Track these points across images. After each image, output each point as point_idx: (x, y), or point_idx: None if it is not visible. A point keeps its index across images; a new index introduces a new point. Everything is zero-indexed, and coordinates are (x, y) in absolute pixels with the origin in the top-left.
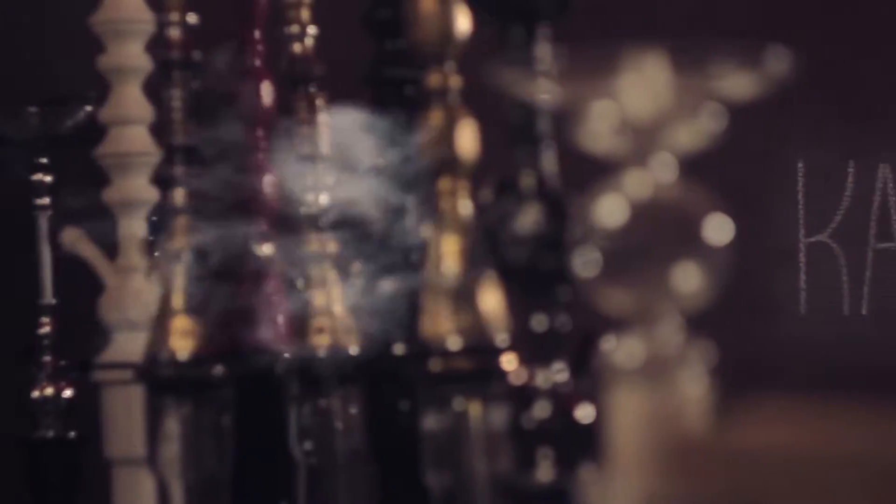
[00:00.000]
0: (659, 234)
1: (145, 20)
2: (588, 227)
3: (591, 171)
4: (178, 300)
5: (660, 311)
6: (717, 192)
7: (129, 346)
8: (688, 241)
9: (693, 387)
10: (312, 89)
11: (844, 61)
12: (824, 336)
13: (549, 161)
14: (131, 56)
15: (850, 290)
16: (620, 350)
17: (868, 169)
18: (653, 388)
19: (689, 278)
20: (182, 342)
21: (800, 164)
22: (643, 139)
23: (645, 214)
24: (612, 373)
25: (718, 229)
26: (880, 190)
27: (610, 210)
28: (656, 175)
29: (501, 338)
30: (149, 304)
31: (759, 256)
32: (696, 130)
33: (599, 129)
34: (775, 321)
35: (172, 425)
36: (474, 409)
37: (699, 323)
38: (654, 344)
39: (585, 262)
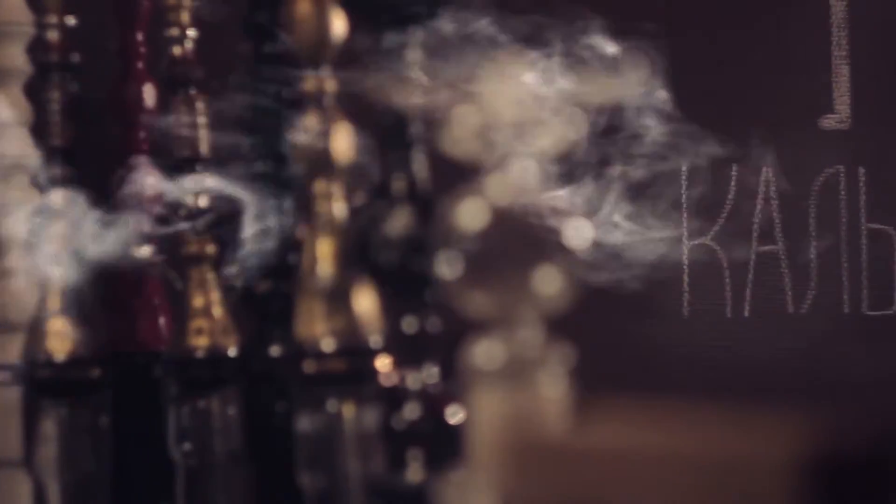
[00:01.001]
0: (520, 237)
1: (25, 22)
2: (450, 230)
3: (453, 175)
4: (55, 302)
5: (520, 314)
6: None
7: (7, 348)
8: (548, 245)
9: (553, 388)
10: (192, 91)
11: (728, 64)
12: (707, 338)
13: (419, 165)
14: (10, 58)
15: (733, 292)
16: (482, 352)
17: (751, 172)
18: (513, 389)
19: (548, 281)
20: (60, 344)
21: (683, 168)
22: (505, 143)
23: (506, 218)
24: (473, 374)
25: (577, 233)
26: (763, 193)
27: (471, 214)
28: (517, 179)
29: (375, 340)
30: (27, 305)
31: (642, 259)
32: (559, 135)
33: (461, 134)
34: (658, 323)
35: (50, 427)
36: (348, 410)
37: (573, 325)
38: (515, 346)
39: (448, 265)
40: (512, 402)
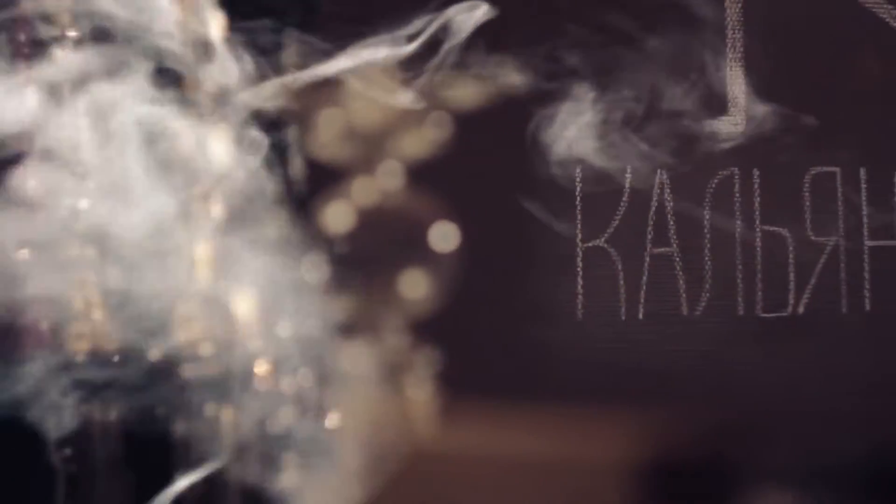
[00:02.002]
0: (386, 241)
1: None
2: (317, 234)
3: (319, 179)
4: None
5: (387, 318)
6: (445, 200)
7: None
8: (414, 248)
9: (419, 392)
10: None
11: (625, 66)
12: (601, 341)
13: (294, 168)
14: None
15: (627, 294)
16: (350, 356)
17: (645, 174)
18: (381, 393)
19: (415, 285)
20: None
21: (577, 170)
22: (370, 147)
23: (372, 221)
24: (341, 378)
25: (444, 237)
26: (657, 195)
27: (337, 217)
28: (383, 182)
29: (252, 344)
30: None
31: (536, 262)
32: (423, 139)
33: (327, 137)
34: (553, 326)
35: None
36: (225, 414)
37: (460, 329)
38: (382, 350)
39: (315, 269)
40: (380, 406)
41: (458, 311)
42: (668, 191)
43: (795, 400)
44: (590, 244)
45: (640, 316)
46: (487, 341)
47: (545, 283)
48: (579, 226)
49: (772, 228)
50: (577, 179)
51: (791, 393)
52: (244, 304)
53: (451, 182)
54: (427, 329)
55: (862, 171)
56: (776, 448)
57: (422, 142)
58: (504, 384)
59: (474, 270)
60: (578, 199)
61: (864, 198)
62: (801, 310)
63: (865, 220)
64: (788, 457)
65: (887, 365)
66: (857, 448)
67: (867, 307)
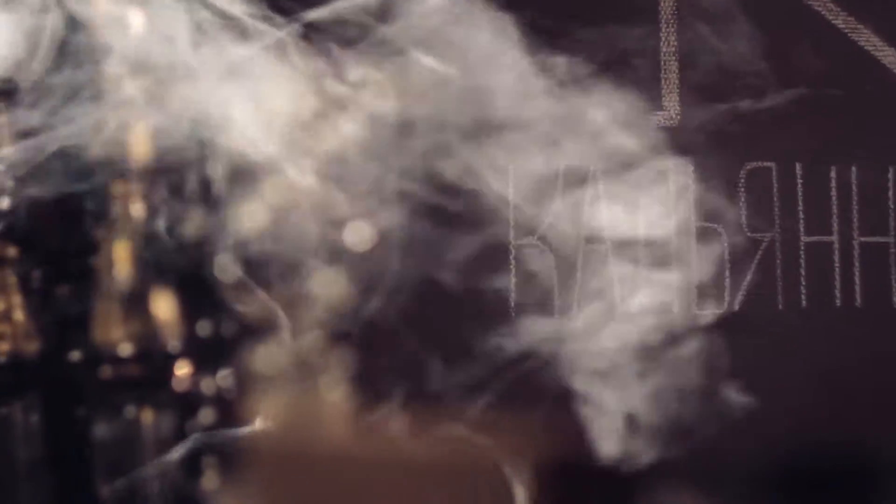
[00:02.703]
0: (299, 239)
1: None
2: (231, 232)
3: (233, 177)
4: None
5: (302, 317)
6: (361, 198)
7: None
8: (329, 247)
9: (333, 393)
10: None
11: (559, 62)
12: (535, 338)
13: (213, 167)
14: None
15: (561, 290)
16: (263, 356)
17: (579, 169)
18: (294, 393)
19: (329, 284)
20: None
21: (510, 167)
22: (284, 145)
23: (285, 220)
24: (256, 379)
25: (358, 236)
26: (592, 190)
27: (251, 215)
28: (298, 180)
29: (172, 344)
30: None
31: (469, 259)
32: (339, 136)
33: (242, 134)
34: (486, 324)
35: None
36: (145, 416)
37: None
38: (296, 349)
39: (228, 268)
40: (293, 407)
41: (374, 311)
42: (603, 186)
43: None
44: (523, 241)
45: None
46: (411, 341)
47: (478, 280)
48: (511, 222)
49: (707, 224)
50: (512, 174)
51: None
52: (164, 303)
53: (366, 180)
54: (343, 328)
55: (798, 167)
56: (699, 446)
57: (338, 139)
58: (433, 385)
59: (392, 268)
60: (511, 194)
61: (800, 193)
62: (736, 306)
63: (801, 215)
64: (716, 454)
65: (822, 361)
66: (792, 445)
67: (803, 304)
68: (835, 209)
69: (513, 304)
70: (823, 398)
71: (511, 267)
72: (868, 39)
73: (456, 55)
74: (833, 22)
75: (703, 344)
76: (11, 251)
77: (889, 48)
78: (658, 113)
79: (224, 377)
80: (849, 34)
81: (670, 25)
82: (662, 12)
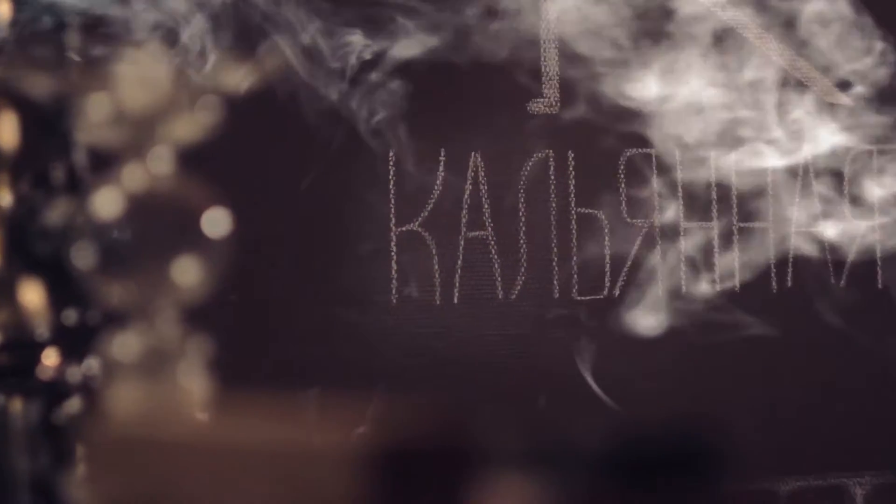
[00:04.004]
0: (157, 227)
1: None
2: (87, 220)
3: (90, 164)
4: None
5: (158, 305)
6: (219, 185)
7: None
8: (186, 235)
9: (191, 380)
10: None
11: (439, 52)
12: (416, 325)
13: (78, 154)
14: None
15: (442, 278)
16: (120, 344)
17: (460, 157)
18: (151, 381)
19: (187, 272)
20: None
21: (391, 153)
22: (140, 132)
23: (143, 207)
24: (112, 367)
25: (215, 223)
26: (472, 178)
27: (107, 203)
28: (154, 168)
29: (39, 333)
30: None
31: (350, 246)
32: (195, 123)
33: (96, 122)
34: (367, 311)
35: None
36: (14, 405)
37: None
38: (153, 337)
39: (85, 255)
40: (150, 395)
41: (238, 298)
42: (483, 174)
43: (612, 383)
44: (404, 228)
45: (456, 300)
46: (283, 328)
47: (359, 267)
48: (393, 210)
49: (586, 210)
50: (391, 163)
51: (603, 376)
52: (31, 291)
53: (225, 167)
54: (200, 316)
55: (677, 153)
56: (581, 431)
57: (193, 126)
58: (323, 370)
59: (253, 256)
60: (392, 182)
61: (679, 180)
62: (616, 292)
63: (681, 202)
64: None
65: (697, 346)
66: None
67: (683, 289)
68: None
69: (395, 291)
70: (698, 382)
71: (392, 254)
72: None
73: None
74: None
75: (575, 329)
76: None
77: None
78: (537, 101)
79: (89, 366)
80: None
81: (551, 13)
82: (543, 2)
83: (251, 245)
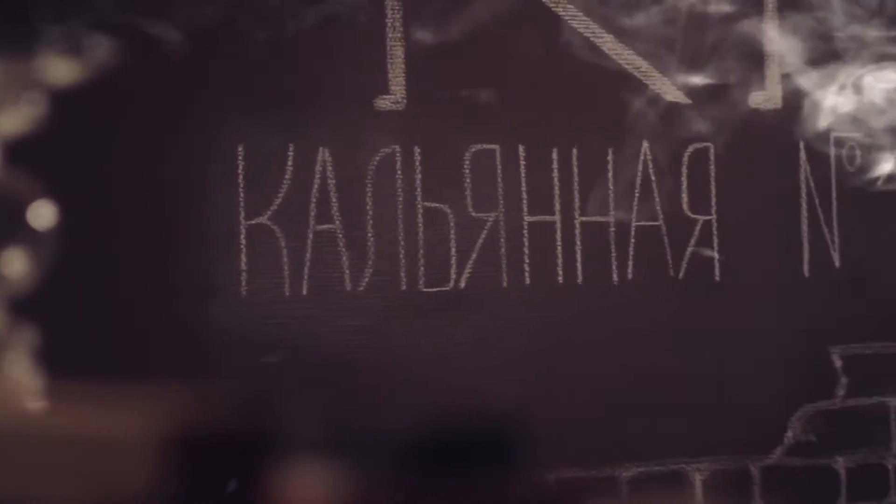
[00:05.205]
0: None
1: None
2: None
3: None
4: None
5: None
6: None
7: None
8: (12, 227)
9: (17, 370)
10: None
11: (283, 46)
12: (265, 317)
13: None
14: None
15: (291, 271)
16: None
17: (308, 152)
18: None
19: (13, 263)
20: None
21: (239, 148)
22: None
23: None
24: None
25: (41, 215)
26: (320, 173)
27: None
28: None
29: None
30: None
31: (199, 240)
32: (19, 116)
33: None
34: (216, 303)
35: None
36: None
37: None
38: None
39: None
40: None
41: (63, 290)
42: (331, 168)
43: (456, 373)
44: (253, 222)
45: (305, 292)
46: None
47: (207, 260)
48: (242, 203)
49: (433, 205)
50: (240, 157)
51: (448, 365)
52: None
53: (51, 160)
54: (26, 307)
55: (521, 149)
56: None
57: (18, 119)
58: (170, 362)
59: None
60: (241, 176)
61: (523, 174)
62: (462, 284)
63: (525, 196)
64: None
65: (541, 338)
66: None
67: (527, 281)
68: (556, 190)
69: (244, 284)
70: (540, 370)
71: (242, 247)
72: (588, 27)
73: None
74: (555, 10)
75: (430, 321)
76: None
77: (608, 34)
78: (384, 97)
79: None
80: (570, 21)
81: (396, 11)
82: None
83: (85, 237)
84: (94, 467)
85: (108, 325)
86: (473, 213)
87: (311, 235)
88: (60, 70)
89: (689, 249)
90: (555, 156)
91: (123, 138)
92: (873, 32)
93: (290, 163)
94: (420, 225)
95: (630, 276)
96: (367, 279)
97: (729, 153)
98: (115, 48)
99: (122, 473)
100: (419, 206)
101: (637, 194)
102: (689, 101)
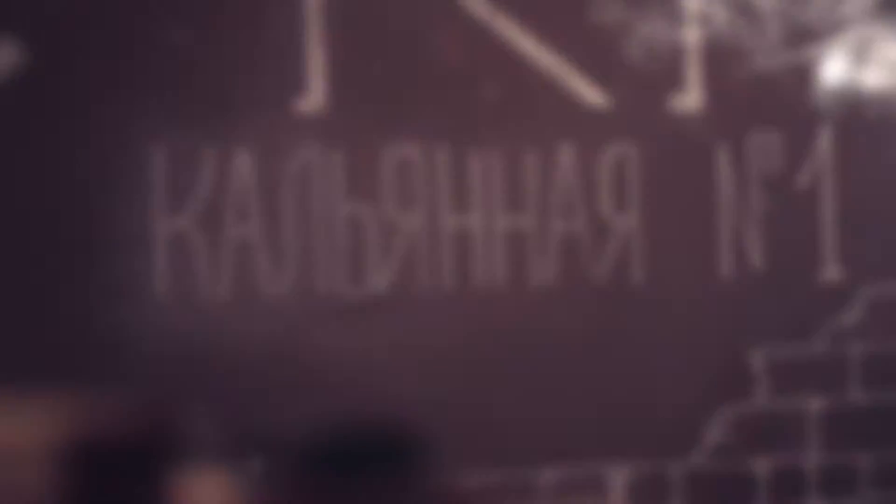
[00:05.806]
0: None
1: None
2: None
3: None
4: None
5: None
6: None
7: None
8: None
9: None
10: None
11: (198, 48)
12: (178, 321)
13: None
14: None
15: (207, 274)
16: None
17: (225, 153)
18: None
19: None
20: None
21: (154, 150)
22: None
23: None
24: None
25: None
26: (237, 175)
27: None
28: None
29: None
30: None
31: (111, 242)
32: None
33: None
34: (127, 306)
35: None
36: None
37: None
38: None
39: None
40: None
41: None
42: (249, 170)
43: (372, 377)
44: (168, 224)
45: (220, 296)
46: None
47: (120, 263)
48: (156, 205)
49: (354, 207)
50: (155, 159)
51: (364, 369)
52: None
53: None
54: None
55: (442, 151)
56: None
57: None
58: (76, 368)
59: None
60: (157, 178)
61: (444, 177)
62: (381, 289)
63: (446, 199)
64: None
65: (461, 343)
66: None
67: (446, 286)
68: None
69: (156, 286)
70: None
71: (156, 250)
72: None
73: None
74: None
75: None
76: None
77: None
78: (303, 99)
79: None
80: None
81: (317, 16)
82: (308, 3)
83: None
84: None
85: (14, 329)
86: (394, 216)
87: (227, 239)
88: None
89: (608, 253)
90: (477, 159)
91: (34, 140)
92: None
93: (207, 165)
94: (339, 228)
95: (549, 280)
96: (284, 283)
97: (648, 156)
98: (23, 50)
99: (23, 482)
100: (339, 208)
101: (559, 198)
102: (609, 104)
